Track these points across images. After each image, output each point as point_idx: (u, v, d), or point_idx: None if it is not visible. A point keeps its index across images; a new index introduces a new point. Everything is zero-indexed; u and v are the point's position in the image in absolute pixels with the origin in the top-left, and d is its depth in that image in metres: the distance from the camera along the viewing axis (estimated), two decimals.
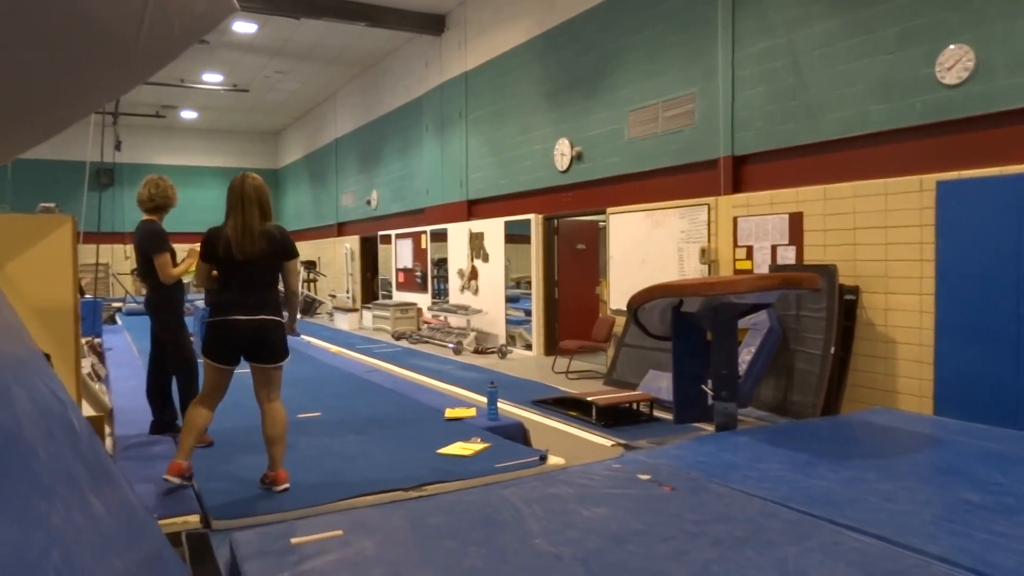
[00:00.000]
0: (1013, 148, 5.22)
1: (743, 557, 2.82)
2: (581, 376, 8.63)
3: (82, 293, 5.70)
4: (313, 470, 4.27)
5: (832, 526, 3.13)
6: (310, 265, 19.06)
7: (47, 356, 2.98)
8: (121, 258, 16.89)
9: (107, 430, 5.46)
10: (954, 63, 5.48)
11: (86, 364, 6.07)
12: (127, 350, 9.31)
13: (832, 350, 5.98)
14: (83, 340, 5.79)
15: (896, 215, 5.86)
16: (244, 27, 13.65)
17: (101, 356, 8.66)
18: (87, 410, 5.24)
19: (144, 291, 5.12)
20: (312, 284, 19.13)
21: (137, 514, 2.41)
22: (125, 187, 20.45)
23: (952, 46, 5.49)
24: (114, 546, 1.86)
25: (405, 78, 14.96)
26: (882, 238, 5.98)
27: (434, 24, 13.13)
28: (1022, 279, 5.06)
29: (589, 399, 6.24)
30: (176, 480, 3.81)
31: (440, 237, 13.26)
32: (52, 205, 6.11)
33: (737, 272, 7.26)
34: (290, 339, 4.15)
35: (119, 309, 15.02)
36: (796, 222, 6.68)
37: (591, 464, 4.21)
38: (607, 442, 5.51)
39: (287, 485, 3.90)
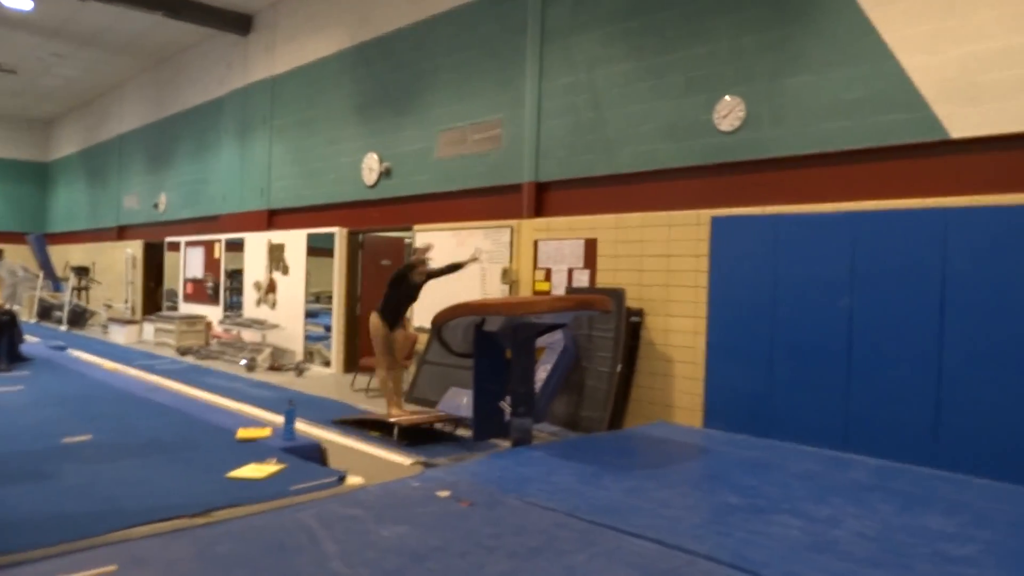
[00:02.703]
0: (773, 190, 5.94)
1: (536, 567, 2.94)
2: (382, 394, 8.53)
3: None
4: (81, 500, 3.85)
5: (615, 533, 3.35)
6: (82, 271, 17.19)
7: None
8: None
9: None
10: (728, 112, 6.15)
11: None
12: None
13: (618, 368, 6.42)
14: None
15: (677, 245, 6.43)
16: (17, 1, 12.16)
17: None
18: None
19: None
20: (84, 292, 17.29)
21: None
22: None
23: (727, 97, 6.16)
24: None
25: (204, 76, 14.09)
26: (665, 265, 6.53)
27: (240, 23, 12.51)
28: (776, 306, 5.75)
29: (391, 420, 6.21)
30: None
31: (236, 247, 12.58)
32: None
33: (536, 293, 7.57)
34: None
35: None
36: (591, 247, 7.12)
37: (390, 483, 4.19)
38: (407, 460, 5.50)
39: None
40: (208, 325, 12.95)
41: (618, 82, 7.01)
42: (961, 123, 4.99)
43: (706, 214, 6.24)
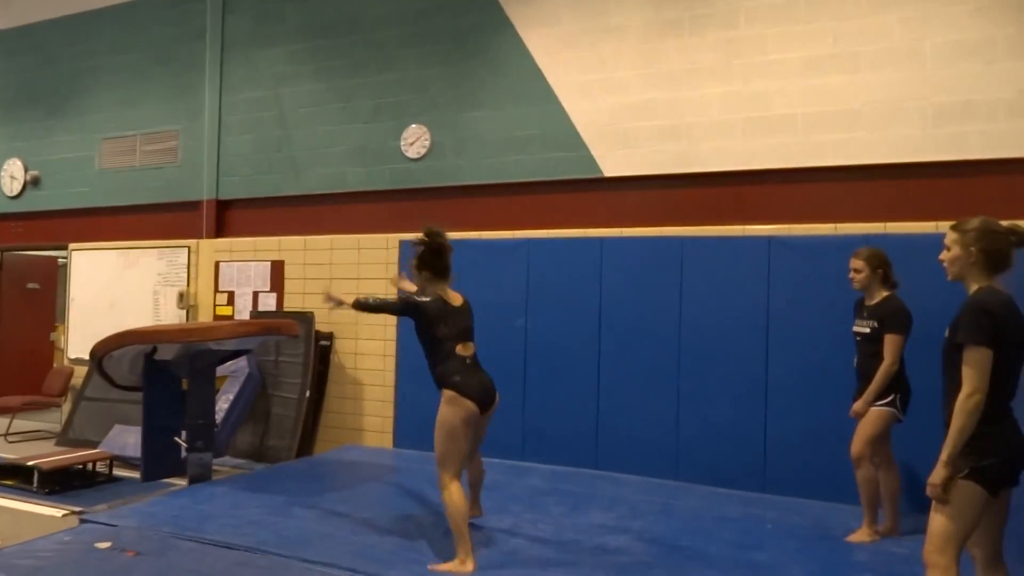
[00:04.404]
0: (458, 216, 6.23)
1: None
2: (26, 438, 7.32)
3: None
4: None
5: (303, 564, 3.24)
6: None
7: None
8: None
9: None
10: (415, 140, 6.36)
11: None
12: None
13: (307, 394, 6.24)
14: None
15: (367, 268, 6.47)
16: None
17: None
18: None
19: None
20: None
21: None
22: None
23: (414, 125, 6.37)
24: None
25: None
26: (355, 288, 6.48)
27: None
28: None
29: (30, 463, 5.33)
30: None
31: None
32: None
33: (217, 318, 7.09)
34: None
35: None
36: (278, 270, 6.86)
37: (35, 540, 3.60)
38: (57, 512, 4.76)
39: None
40: None
41: (305, 102, 6.88)
42: (612, 164, 5.72)
43: (395, 238, 6.35)
